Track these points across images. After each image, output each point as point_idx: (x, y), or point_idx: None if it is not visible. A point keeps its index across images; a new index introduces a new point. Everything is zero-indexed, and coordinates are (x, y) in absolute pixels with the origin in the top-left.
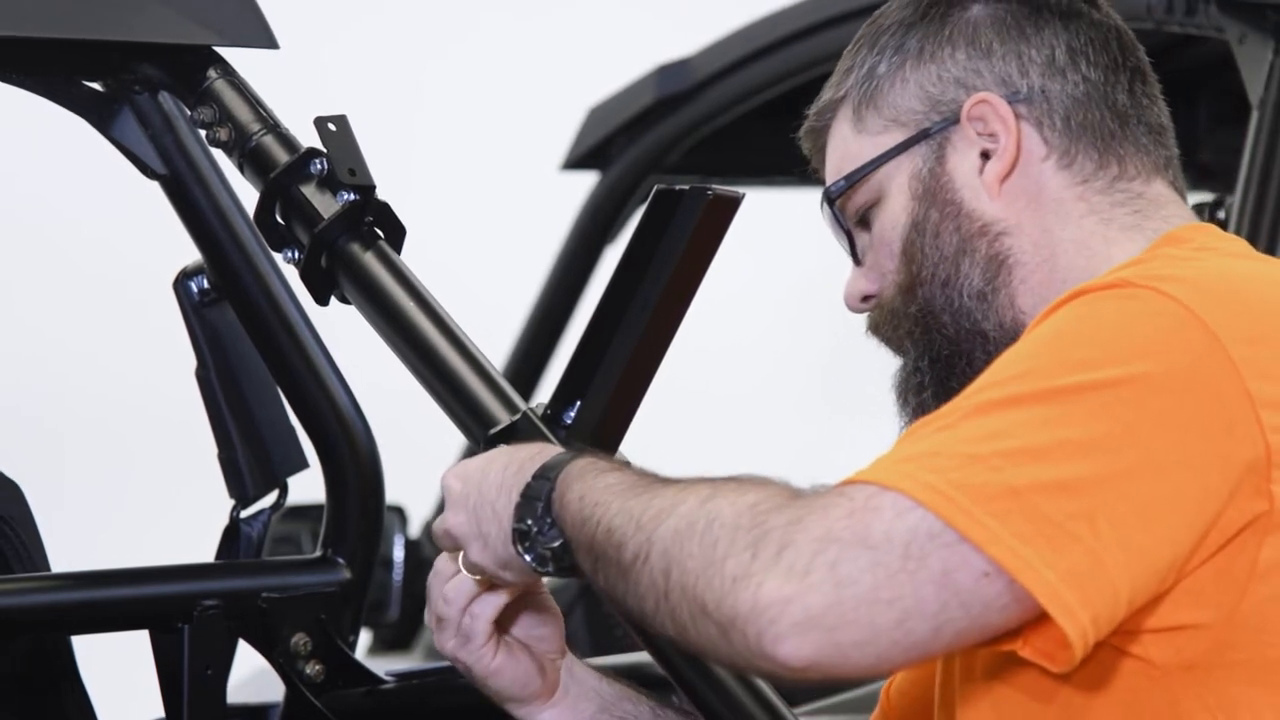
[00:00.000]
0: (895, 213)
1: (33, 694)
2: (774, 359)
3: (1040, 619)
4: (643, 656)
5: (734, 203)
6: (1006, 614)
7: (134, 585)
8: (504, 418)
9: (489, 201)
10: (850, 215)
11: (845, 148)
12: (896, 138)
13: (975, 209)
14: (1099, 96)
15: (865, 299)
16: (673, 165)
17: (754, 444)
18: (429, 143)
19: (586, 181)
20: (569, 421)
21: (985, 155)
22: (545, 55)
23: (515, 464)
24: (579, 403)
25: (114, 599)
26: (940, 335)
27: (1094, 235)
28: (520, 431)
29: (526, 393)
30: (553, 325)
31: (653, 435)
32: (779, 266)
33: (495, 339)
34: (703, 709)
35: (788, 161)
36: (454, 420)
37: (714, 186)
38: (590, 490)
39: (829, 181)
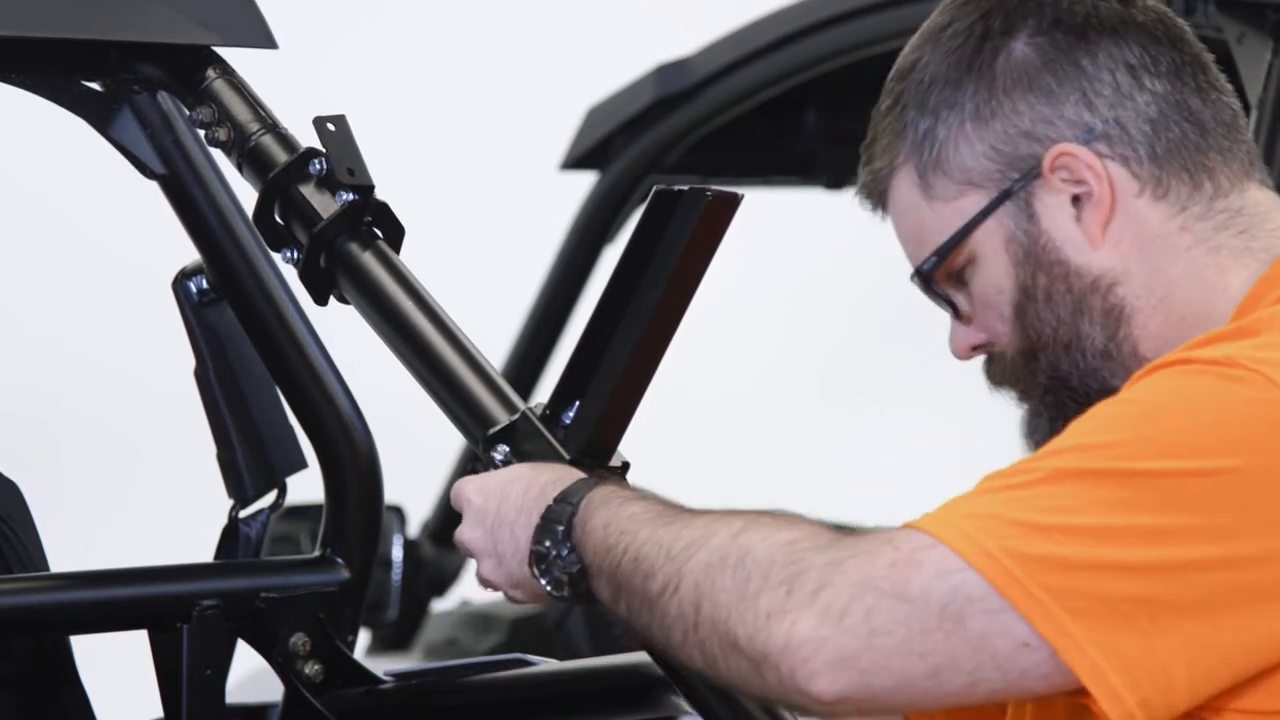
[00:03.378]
0: (996, 277)
1: (32, 694)
2: (770, 358)
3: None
4: (642, 656)
5: (733, 203)
6: (1049, 682)
7: (133, 585)
8: (503, 418)
9: (489, 201)
10: (944, 282)
11: (919, 216)
12: (977, 201)
13: (1083, 264)
14: (1172, 107)
15: (975, 348)
16: (672, 165)
17: (751, 442)
18: (428, 142)
19: (586, 181)
20: (568, 421)
21: (1075, 200)
22: (545, 55)
23: (537, 486)
24: (578, 403)
25: (113, 599)
26: (1072, 399)
27: (1206, 267)
28: (519, 431)
29: (526, 393)
30: (552, 325)
31: (650, 435)
32: (776, 266)
33: (495, 339)
34: (702, 709)
35: (787, 161)
36: (453, 420)
37: (713, 187)
38: (615, 518)
39: (911, 250)
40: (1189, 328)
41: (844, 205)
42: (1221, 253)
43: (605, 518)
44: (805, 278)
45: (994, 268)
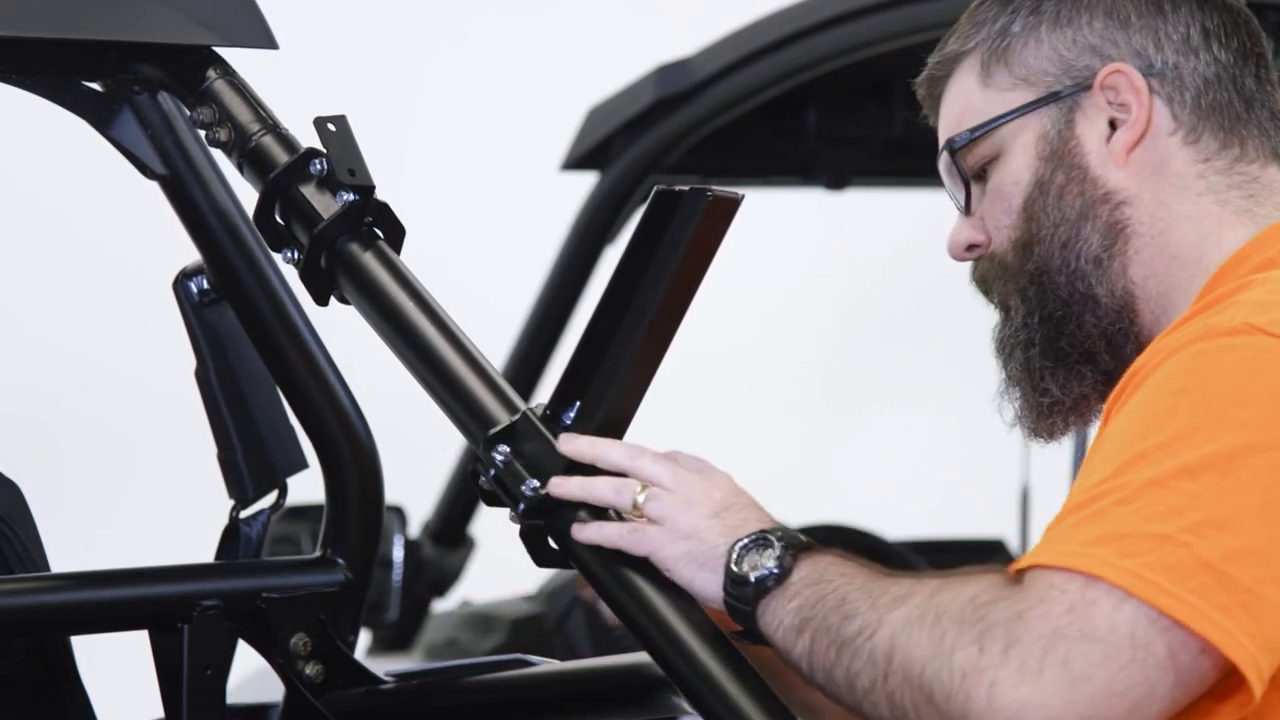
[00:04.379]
0: (1017, 170)
1: (33, 694)
2: (770, 358)
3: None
4: (642, 657)
5: (734, 204)
6: (1208, 681)
7: (134, 585)
8: (503, 418)
9: (489, 201)
10: (968, 167)
11: (969, 100)
12: (1025, 96)
13: (1101, 175)
14: (1228, 78)
15: (970, 248)
16: (672, 165)
17: (750, 443)
18: (429, 143)
19: (586, 181)
20: (569, 422)
21: (1113, 124)
22: (545, 55)
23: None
24: (579, 403)
25: (114, 599)
26: (1054, 295)
27: (1208, 215)
28: (520, 432)
29: (526, 393)
30: (553, 325)
31: (651, 435)
32: (776, 266)
33: (495, 339)
34: (702, 709)
35: (787, 162)
36: (453, 420)
37: (714, 187)
38: (836, 564)
39: (949, 132)
40: (1178, 267)
41: (844, 205)
42: (1227, 208)
43: (829, 561)
44: (805, 278)
45: (1017, 161)
